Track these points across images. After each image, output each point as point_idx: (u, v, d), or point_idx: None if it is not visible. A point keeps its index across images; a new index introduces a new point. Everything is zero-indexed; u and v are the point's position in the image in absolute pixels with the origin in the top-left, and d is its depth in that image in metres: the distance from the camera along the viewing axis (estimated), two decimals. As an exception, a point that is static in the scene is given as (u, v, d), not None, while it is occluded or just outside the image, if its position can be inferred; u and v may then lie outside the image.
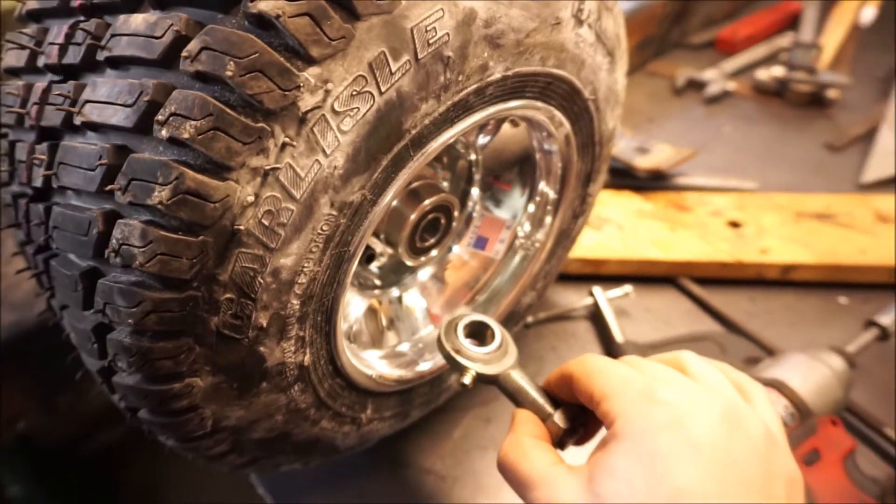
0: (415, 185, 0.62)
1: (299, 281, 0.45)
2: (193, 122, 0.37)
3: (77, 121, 0.41)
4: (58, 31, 0.44)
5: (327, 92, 0.39)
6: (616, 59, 0.62)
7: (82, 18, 0.44)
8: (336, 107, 0.40)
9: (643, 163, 1.08)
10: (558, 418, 0.48)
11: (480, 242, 0.74)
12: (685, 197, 1.09)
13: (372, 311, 0.69)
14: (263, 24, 0.37)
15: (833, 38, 1.55)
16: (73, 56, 0.42)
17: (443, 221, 0.65)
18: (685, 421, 0.38)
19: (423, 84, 0.43)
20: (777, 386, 0.71)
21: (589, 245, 1.00)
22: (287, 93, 0.38)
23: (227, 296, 0.42)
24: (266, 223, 0.41)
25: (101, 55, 0.41)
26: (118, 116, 0.39)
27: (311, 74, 0.38)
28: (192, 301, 0.41)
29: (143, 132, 0.39)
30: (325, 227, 0.44)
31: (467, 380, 0.51)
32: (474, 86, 0.47)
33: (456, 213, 0.66)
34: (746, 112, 1.38)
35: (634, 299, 0.96)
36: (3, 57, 0.50)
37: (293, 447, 0.57)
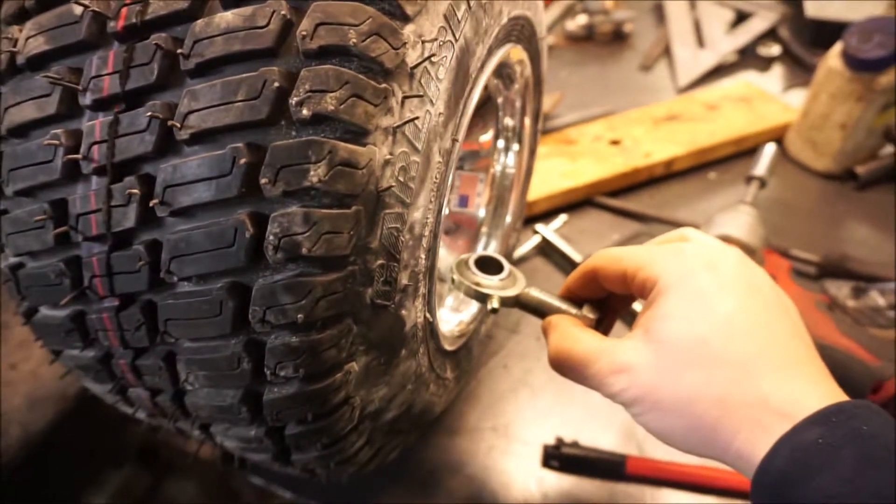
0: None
1: (425, 233, 0.47)
2: (333, 94, 0.38)
3: (182, 135, 0.39)
4: (101, 61, 0.41)
5: (424, 45, 0.42)
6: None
7: (124, 43, 0.42)
8: (432, 58, 0.43)
9: (527, 113, 1.20)
10: (587, 311, 0.52)
11: (463, 201, 0.79)
12: (567, 133, 1.24)
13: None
14: (360, -8, 0.40)
15: (603, -15, 1.83)
16: (143, 77, 0.40)
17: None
18: (716, 263, 0.44)
19: (476, 29, 0.48)
20: (725, 239, 0.87)
21: (515, 193, 1.10)
22: (398, 51, 0.40)
23: (379, 262, 0.43)
24: (402, 179, 0.43)
25: (186, 65, 0.39)
26: (244, 114, 0.38)
27: (409, 31, 0.41)
28: (352, 276, 0.42)
29: (272, 122, 0.39)
30: (437, 176, 0.47)
31: (495, 304, 0.54)
32: (496, 29, 0.53)
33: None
34: (570, 58, 1.58)
35: (567, 225, 1.08)
36: (5, 116, 0.44)
37: (410, 422, 0.58)
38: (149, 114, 0.40)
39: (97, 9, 0.41)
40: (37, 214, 0.44)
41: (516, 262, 1.04)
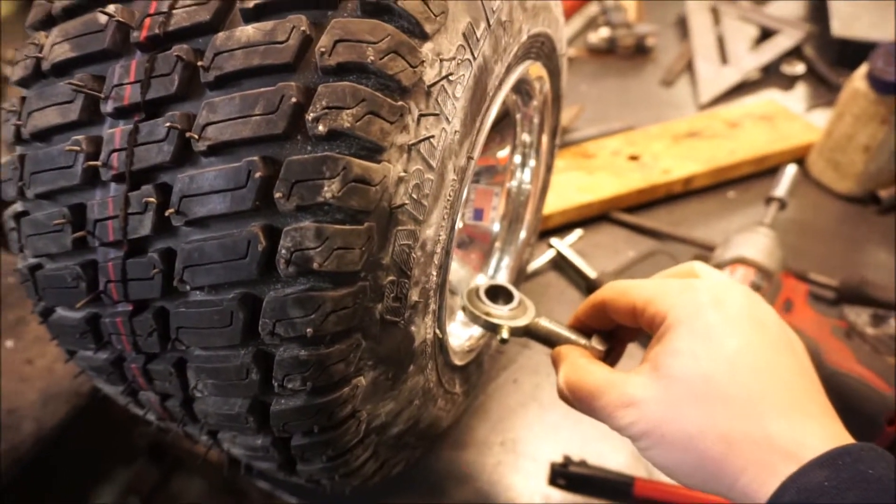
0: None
1: (437, 251, 0.47)
2: (349, 111, 0.38)
3: (200, 147, 0.39)
4: (123, 70, 0.42)
5: (441, 63, 0.42)
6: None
7: (147, 53, 0.42)
8: (450, 76, 0.43)
9: (546, 126, 1.20)
10: (595, 342, 0.53)
11: (478, 214, 0.79)
12: (586, 147, 1.23)
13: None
14: (380, 10, 0.40)
15: (627, -1, 1.82)
16: (164, 88, 0.41)
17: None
18: (724, 300, 0.45)
19: (495, 48, 0.48)
20: (741, 261, 0.86)
21: (531, 206, 1.09)
22: (416, 69, 0.41)
23: (390, 278, 0.43)
24: (415, 197, 0.43)
25: (206, 77, 0.40)
26: (260, 128, 0.38)
27: (427, 50, 0.41)
28: (363, 292, 0.42)
29: (288, 136, 0.39)
30: (451, 194, 0.47)
31: (505, 335, 0.55)
32: (516, 47, 0.53)
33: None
34: (591, 71, 1.58)
35: (583, 240, 1.08)
36: (28, 120, 0.45)
37: (416, 436, 0.58)
38: (167, 124, 0.40)
39: (121, 18, 0.42)
40: (56, 218, 0.45)
41: (531, 276, 1.04)
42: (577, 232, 1.06)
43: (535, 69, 0.64)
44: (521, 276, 0.84)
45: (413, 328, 0.48)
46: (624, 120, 1.34)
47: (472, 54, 0.45)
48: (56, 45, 0.44)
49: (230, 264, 0.40)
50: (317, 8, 0.40)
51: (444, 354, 0.59)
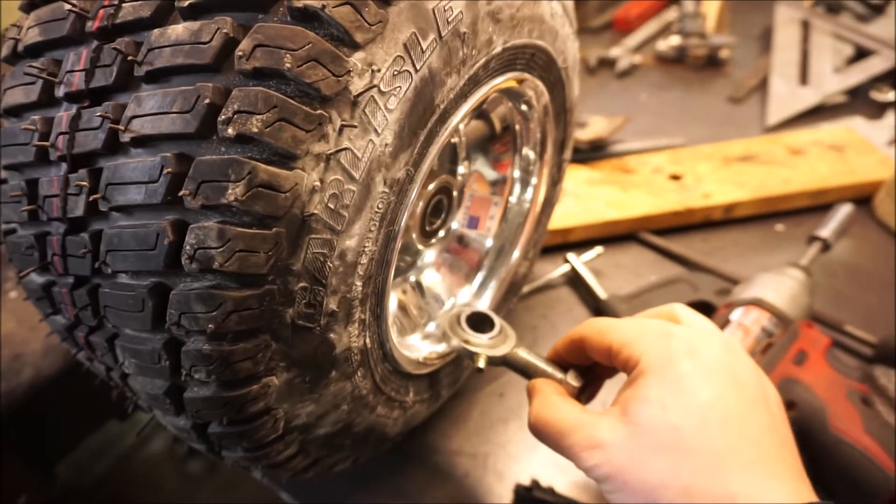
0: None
1: (361, 261, 0.47)
2: (259, 117, 0.38)
3: (125, 138, 0.41)
4: (76, 58, 0.44)
5: (373, 74, 0.42)
6: (574, 30, 0.68)
7: (97, 42, 0.44)
8: (382, 87, 0.42)
9: (585, 135, 1.16)
10: (571, 378, 0.53)
11: (473, 222, 0.78)
12: (626, 161, 1.18)
13: (397, 299, 0.71)
14: (308, 16, 0.40)
15: (712, 5, 1.71)
16: (104, 78, 0.42)
17: (444, 202, 0.68)
18: (699, 350, 0.44)
19: (447, 60, 0.47)
20: (757, 303, 0.80)
21: (554, 217, 1.06)
22: (340, 78, 0.40)
23: (301, 285, 0.43)
24: (332, 206, 0.42)
25: (139, 71, 0.41)
26: (176, 125, 0.39)
27: (357, 59, 0.41)
28: (269, 295, 0.42)
29: (203, 136, 0.39)
30: (380, 206, 0.46)
31: (481, 364, 0.56)
32: (483, 59, 0.51)
33: (455, 193, 0.69)
34: (655, 80, 1.50)
35: (604, 258, 1.03)
36: (3, 96, 0.48)
37: (353, 440, 0.58)
38: (100, 113, 0.42)
39: (81, 8, 0.44)
40: (15, 190, 0.48)
41: (543, 288, 1.01)
42: (598, 249, 1.01)
43: (528, 81, 0.62)
44: (515, 291, 0.82)
45: (332, 335, 0.48)
46: (677, 135, 1.27)
47: (414, 66, 0.44)
48: (30, 29, 0.47)
49: (142, 253, 0.41)
50: (248, 10, 0.40)
51: (391, 362, 0.58)
